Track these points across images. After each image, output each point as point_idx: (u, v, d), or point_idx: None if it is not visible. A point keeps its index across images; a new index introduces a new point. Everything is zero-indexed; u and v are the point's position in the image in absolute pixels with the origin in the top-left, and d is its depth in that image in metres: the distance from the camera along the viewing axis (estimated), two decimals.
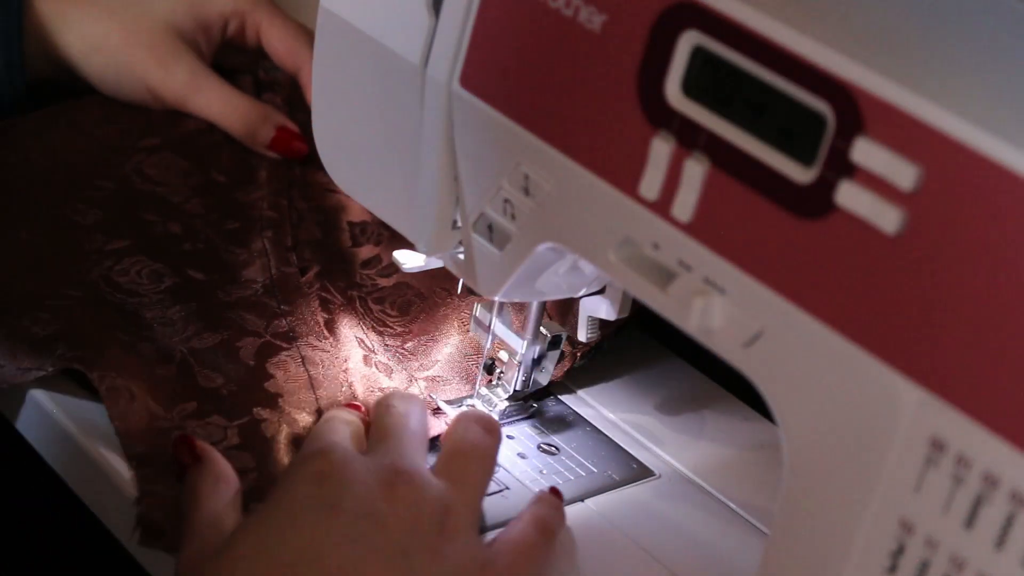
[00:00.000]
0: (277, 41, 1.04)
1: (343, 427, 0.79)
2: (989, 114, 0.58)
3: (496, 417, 0.86)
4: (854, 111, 0.60)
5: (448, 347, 0.91)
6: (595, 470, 0.85)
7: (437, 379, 0.89)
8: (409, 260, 0.84)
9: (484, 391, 0.88)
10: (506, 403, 0.88)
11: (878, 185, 0.59)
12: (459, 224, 0.78)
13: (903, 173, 0.59)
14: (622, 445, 0.88)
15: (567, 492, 0.82)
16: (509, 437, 0.86)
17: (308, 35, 1.04)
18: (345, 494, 0.71)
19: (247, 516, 0.74)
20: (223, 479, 0.76)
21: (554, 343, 0.86)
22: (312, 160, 0.94)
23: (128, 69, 1.00)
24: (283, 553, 0.69)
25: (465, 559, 0.72)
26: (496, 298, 0.79)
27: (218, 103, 1.01)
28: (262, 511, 0.72)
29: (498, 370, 0.88)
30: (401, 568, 0.70)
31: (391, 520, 0.71)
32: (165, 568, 0.78)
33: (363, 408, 0.82)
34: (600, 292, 0.82)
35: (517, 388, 0.87)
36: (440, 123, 0.76)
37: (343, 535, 0.70)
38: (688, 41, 0.65)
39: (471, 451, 0.78)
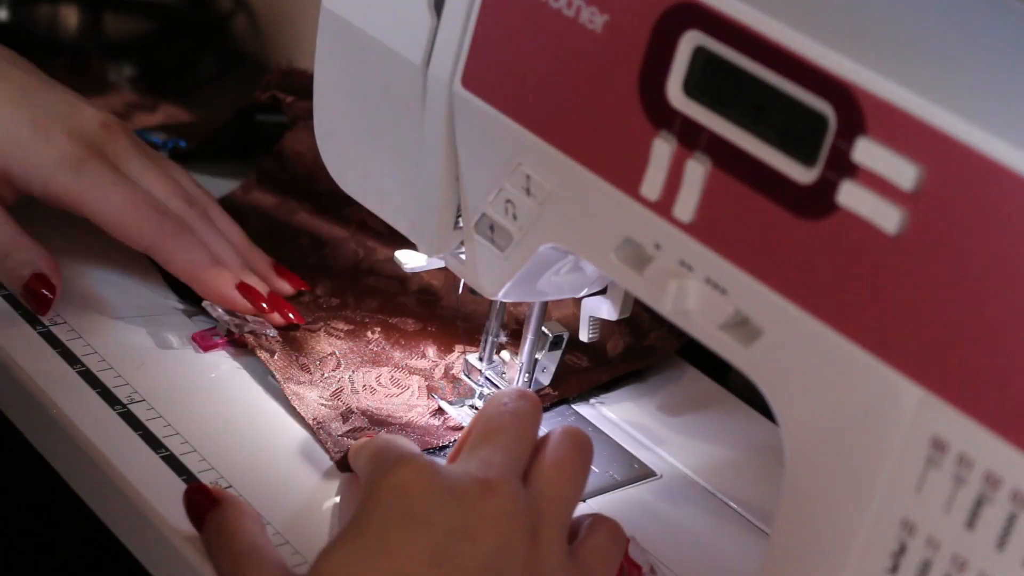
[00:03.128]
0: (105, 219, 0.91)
1: (399, 440, 0.76)
2: (990, 114, 0.58)
3: None
4: (855, 111, 0.60)
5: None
6: (596, 470, 0.85)
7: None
8: (411, 260, 0.84)
9: (486, 391, 0.88)
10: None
11: (879, 185, 0.59)
12: (461, 224, 0.78)
13: (904, 173, 0.59)
14: (623, 445, 0.88)
15: None
16: None
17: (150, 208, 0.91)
18: (434, 506, 0.69)
19: (333, 538, 0.71)
20: (248, 514, 0.75)
21: (555, 343, 0.86)
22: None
23: None
24: (373, 574, 0.67)
25: (558, 573, 0.70)
26: (497, 298, 0.79)
27: None
28: (347, 531, 0.69)
29: (499, 371, 0.88)
30: None
31: (483, 535, 0.69)
32: (165, 568, 0.78)
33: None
34: (602, 292, 0.82)
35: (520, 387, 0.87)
36: (441, 123, 0.76)
37: (434, 552, 0.68)
38: (689, 41, 0.65)
39: (569, 464, 0.75)
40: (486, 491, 0.70)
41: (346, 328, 0.92)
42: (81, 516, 0.84)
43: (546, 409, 0.89)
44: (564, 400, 0.91)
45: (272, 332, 0.90)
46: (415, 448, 0.75)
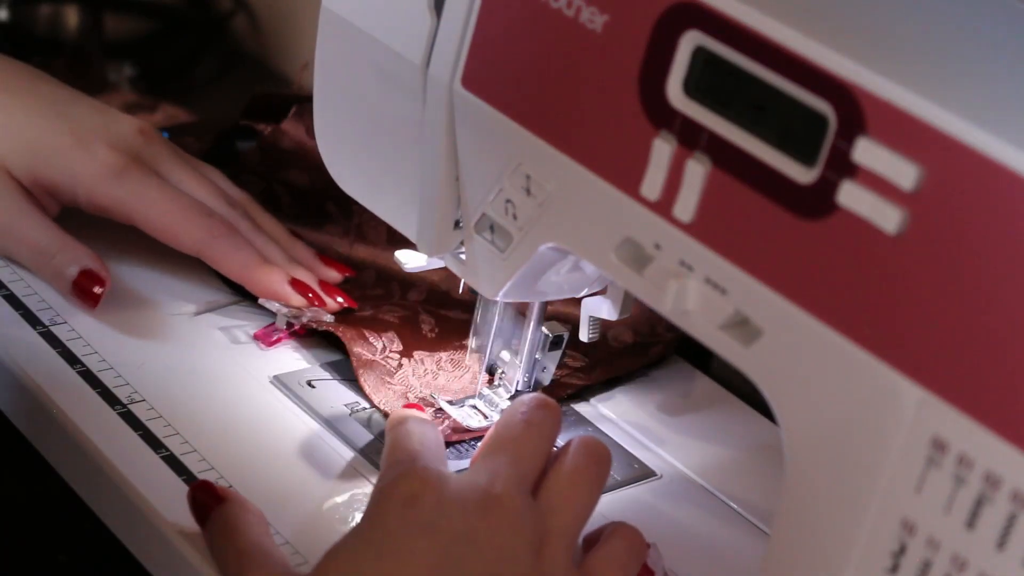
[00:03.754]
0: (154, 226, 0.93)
1: (419, 434, 0.76)
2: (990, 114, 0.58)
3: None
4: (856, 111, 0.60)
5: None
6: None
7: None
8: (411, 260, 0.84)
9: (486, 391, 0.88)
10: (508, 403, 0.88)
11: (879, 185, 0.59)
12: (461, 224, 0.78)
13: (904, 173, 0.59)
14: (623, 445, 0.88)
15: None
16: None
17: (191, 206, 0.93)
18: (440, 516, 0.69)
19: (339, 540, 0.71)
20: (252, 512, 0.75)
21: (555, 343, 0.86)
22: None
23: None
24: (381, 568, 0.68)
25: None
26: (497, 298, 0.79)
27: (22, 248, 0.92)
28: (353, 534, 0.70)
29: (500, 370, 0.88)
30: None
31: (486, 545, 0.69)
32: (165, 567, 0.78)
33: (423, 408, 0.83)
34: (602, 292, 0.82)
35: (519, 388, 0.87)
36: (442, 123, 0.76)
37: (438, 558, 0.68)
38: (689, 41, 0.65)
39: (582, 475, 0.75)
40: (491, 504, 0.70)
41: (399, 315, 0.93)
42: (81, 516, 0.84)
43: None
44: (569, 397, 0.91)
45: (329, 318, 0.92)
46: (425, 444, 0.75)
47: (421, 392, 0.88)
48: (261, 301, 0.93)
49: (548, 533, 0.71)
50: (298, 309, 0.92)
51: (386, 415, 0.86)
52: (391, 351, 0.90)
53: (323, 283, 0.94)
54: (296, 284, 0.92)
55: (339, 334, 0.90)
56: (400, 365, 0.89)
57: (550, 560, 0.71)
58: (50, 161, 0.92)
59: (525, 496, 0.72)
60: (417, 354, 0.91)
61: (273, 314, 0.92)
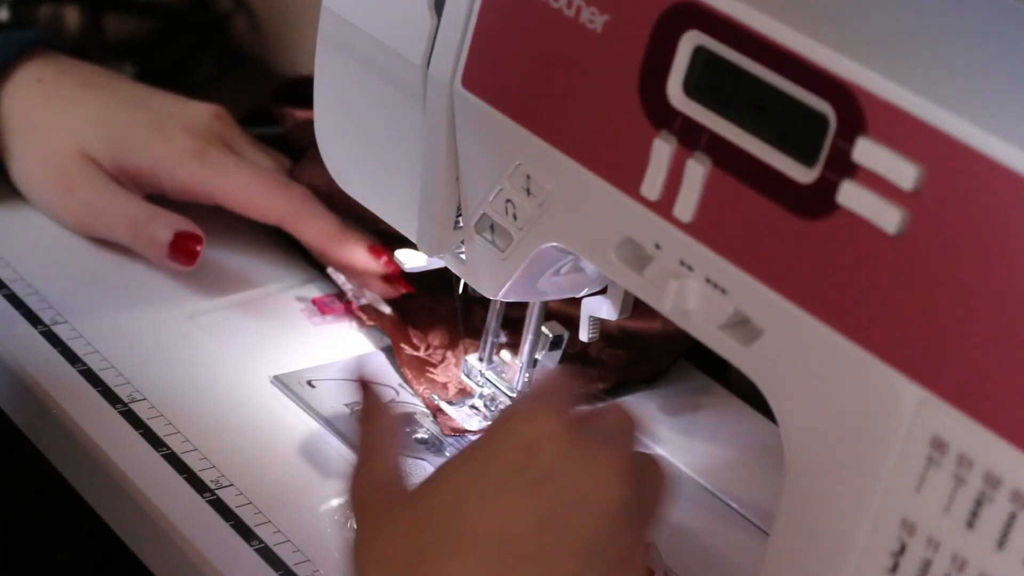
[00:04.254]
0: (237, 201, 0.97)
1: (563, 385, 0.72)
2: (990, 114, 0.58)
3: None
4: (855, 111, 0.60)
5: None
6: None
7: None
8: (411, 260, 0.84)
9: (485, 391, 0.88)
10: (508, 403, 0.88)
11: (879, 185, 0.59)
12: (461, 224, 0.79)
13: (904, 173, 0.59)
14: None
15: None
16: None
17: (272, 183, 0.97)
18: (557, 472, 0.67)
19: (447, 461, 0.69)
20: (391, 415, 0.72)
21: (555, 343, 0.86)
22: None
23: (35, 194, 0.97)
24: (475, 520, 0.65)
25: (644, 565, 0.69)
26: (497, 298, 0.79)
27: (116, 222, 0.96)
28: (466, 460, 0.68)
29: (499, 371, 0.88)
30: (591, 567, 0.66)
31: (593, 513, 0.67)
32: (166, 566, 0.78)
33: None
34: (602, 292, 0.82)
35: (519, 388, 0.87)
36: (442, 123, 0.76)
37: (545, 517, 0.66)
38: (690, 41, 0.65)
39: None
40: (611, 473, 0.68)
41: (453, 305, 0.94)
42: (81, 515, 0.84)
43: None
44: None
45: (387, 310, 0.94)
46: (565, 396, 0.71)
47: (461, 384, 0.89)
48: (329, 271, 0.96)
49: (647, 510, 0.70)
50: (360, 290, 0.95)
51: (428, 405, 0.87)
52: (435, 347, 0.91)
53: (391, 263, 0.95)
54: (374, 251, 0.95)
55: (385, 331, 0.92)
56: (444, 358, 0.90)
57: (642, 537, 0.69)
58: (132, 148, 0.96)
59: (636, 482, 0.69)
60: (464, 343, 0.91)
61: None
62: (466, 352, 0.91)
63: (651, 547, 0.75)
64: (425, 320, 0.93)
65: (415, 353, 0.91)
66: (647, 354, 0.95)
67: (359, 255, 0.95)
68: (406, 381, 0.90)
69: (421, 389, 0.88)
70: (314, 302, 0.95)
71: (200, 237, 0.94)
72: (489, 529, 0.65)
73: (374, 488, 0.68)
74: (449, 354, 0.91)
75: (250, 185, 0.96)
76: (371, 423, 0.72)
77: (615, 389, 0.93)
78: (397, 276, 0.95)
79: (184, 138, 0.96)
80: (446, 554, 0.64)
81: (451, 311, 0.94)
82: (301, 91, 1.05)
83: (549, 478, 0.66)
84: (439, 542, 0.64)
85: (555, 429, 0.67)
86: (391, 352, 0.92)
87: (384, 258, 0.94)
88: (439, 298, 0.95)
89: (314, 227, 0.95)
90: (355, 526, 0.67)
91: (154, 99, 0.99)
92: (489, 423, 0.76)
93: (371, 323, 0.93)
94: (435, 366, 0.90)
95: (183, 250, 0.94)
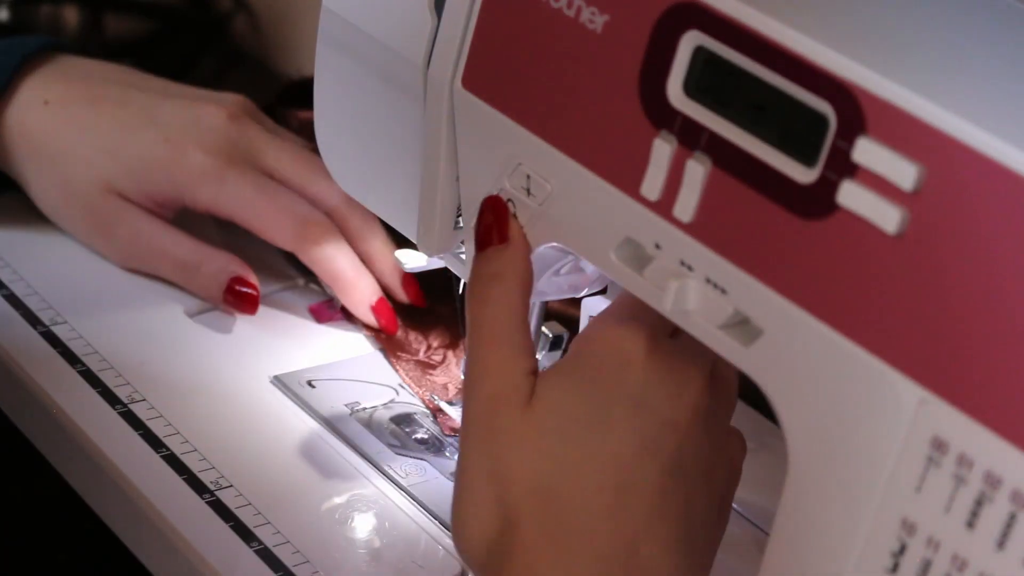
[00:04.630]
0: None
1: (641, 302, 0.70)
2: (990, 114, 0.58)
3: None
4: (855, 111, 0.60)
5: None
6: None
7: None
8: (411, 260, 0.84)
9: None
10: None
11: (879, 185, 0.59)
12: (461, 224, 0.79)
13: (904, 173, 0.59)
14: None
15: None
16: None
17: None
18: (648, 393, 0.68)
19: (552, 373, 0.69)
20: (524, 279, 0.72)
21: (556, 343, 0.86)
22: None
23: (72, 230, 0.97)
24: (586, 447, 0.66)
25: (726, 470, 0.71)
26: None
27: (166, 264, 0.96)
28: (566, 383, 0.68)
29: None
30: (679, 482, 0.68)
31: (677, 431, 0.68)
32: (165, 566, 0.78)
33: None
34: (602, 292, 0.82)
35: None
36: (442, 123, 0.76)
37: (645, 439, 0.67)
38: (690, 41, 0.65)
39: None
40: (695, 386, 0.69)
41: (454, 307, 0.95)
42: (81, 515, 0.84)
43: None
44: None
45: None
46: (649, 314, 0.70)
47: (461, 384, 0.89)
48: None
49: (735, 451, 0.72)
50: None
51: (428, 406, 0.88)
52: (435, 348, 0.91)
53: (388, 311, 0.95)
54: (378, 311, 0.94)
55: (379, 341, 0.92)
56: (444, 358, 0.90)
57: (735, 476, 0.72)
58: (153, 176, 0.94)
59: (712, 391, 0.71)
60: (464, 342, 0.91)
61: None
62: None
63: (736, 438, 0.74)
64: (425, 321, 0.93)
65: (414, 357, 0.91)
66: None
67: (362, 307, 0.94)
68: (402, 383, 0.90)
69: (420, 391, 0.88)
70: (311, 309, 0.96)
71: (254, 283, 0.94)
72: (597, 456, 0.66)
73: (498, 397, 0.67)
74: (450, 354, 0.91)
75: (266, 213, 0.95)
76: (495, 299, 0.70)
77: None
78: (391, 330, 0.95)
79: (202, 158, 0.95)
80: (561, 487, 0.65)
81: (452, 312, 0.94)
82: (306, 92, 1.05)
83: (644, 398, 0.68)
84: (555, 475, 0.66)
85: (645, 345, 0.69)
86: None
87: (381, 319, 0.94)
88: (439, 298, 0.95)
89: (326, 266, 0.94)
90: (469, 433, 0.68)
91: (167, 108, 0.97)
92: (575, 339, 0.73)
93: (369, 333, 0.93)
94: (435, 367, 0.90)
95: (239, 296, 0.93)
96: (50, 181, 0.96)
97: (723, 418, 0.72)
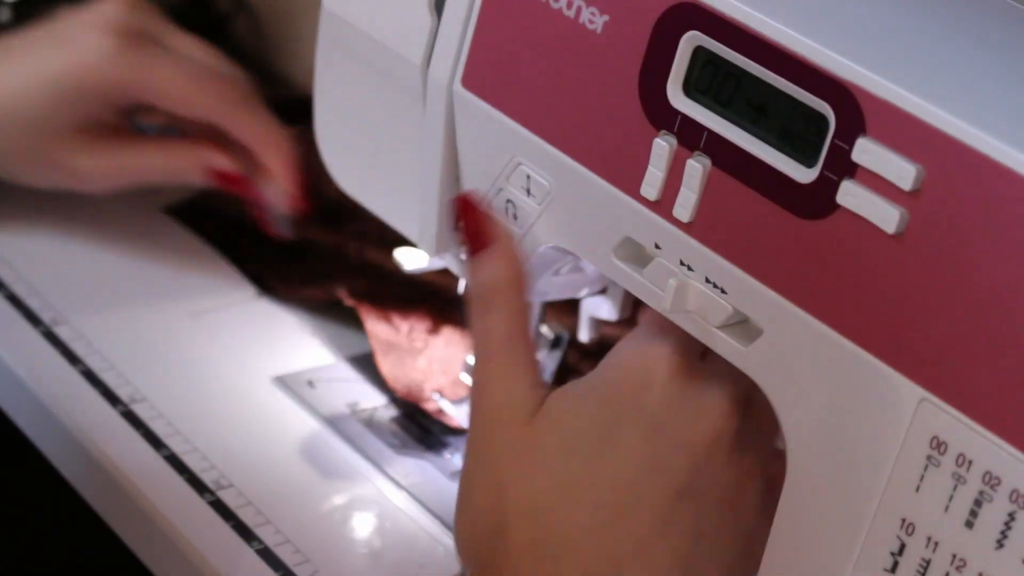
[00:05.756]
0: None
1: (670, 323, 0.69)
2: (989, 114, 0.58)
3: None
4: (855, 111, 0.60)
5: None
6: None
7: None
8: (411, 260, 0.84)
9: None
10: None
11: (879, 185, 0.59)
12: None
13: (904, 173, 0.59)
14: None
15: None
16: None
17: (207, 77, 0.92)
18: (664, 419, 0.67)
19: (570, 387, 0.69)
20: (518, 282, 0.70)
21: (556, 343, 0.86)
22: None
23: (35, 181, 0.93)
24: (585, 466, 0.66)
25: (761, 491, 0.69)
26: None
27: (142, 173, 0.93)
28: (585, 389, 0.68)
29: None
30: (686, 508, 0.67)
31: (691, 457, 0.67)
32: (167, 566, 0.78)
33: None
34: (602, 292, 0.82)
35: None
36: (442, 123, 0.76)
37: (650, 459, 0.66)
38: (689, 42, 0.65)
39: None
40: (718, 411, 0.68)
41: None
42: (82, 515, 0.84)
43: None
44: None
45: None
46: (677, 346, 0.70)
47: (438, 383, 0.88)
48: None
49: (763, 441, 0.69)
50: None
51: (400, 399, 0.86)
52: (418, 331, 0.90)
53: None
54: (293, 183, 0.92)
55: (359, 310, 0.89)
56: (427, 344, 0.89)
57: (756, 474, 0.69)
58: (65, 90, 0.89)
59: (743, 413, 0.69)
60: (446, 331, 0.90)
61: None
62: (447, 346, 0.90)
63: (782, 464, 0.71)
64: (405, 298, 0.92)
65: (394, 339, 0.89)
66: None
67: (283, 172, 0.91)
68: (378, 380, 0.88)
69: (399, 387, 0.87)
70: (219, 173, 0.90)
71: (233, 175, 0.91)
72: (596, 475, 0.66)
73: (499, 410, 0.67)
74: (432, 339, 0.90)
75: (177, 77, 0.90)
76: (494, 309, 0.69)
77: None
78: (303, 206, 0.92)
79: (98, 38, 0.89)
80: (554, 502, 0.65)
81: (435, 290, 0.93)
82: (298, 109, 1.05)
83: (659, 425, 0.67)
84: (549, 490, 0.66)
85: (668, 366, 0.68)
86: None
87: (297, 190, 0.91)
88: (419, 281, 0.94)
89: (248, 126, 0.91)
90: (471, 441, 0.68)
91: (58, 15, 0.92)
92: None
93: (349, 303, 0.91)
94: (414, 357, 0.89)
95: (225, 179, 0.91)
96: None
97: (762, 444, 0.70)
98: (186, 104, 0.90)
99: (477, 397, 0.68)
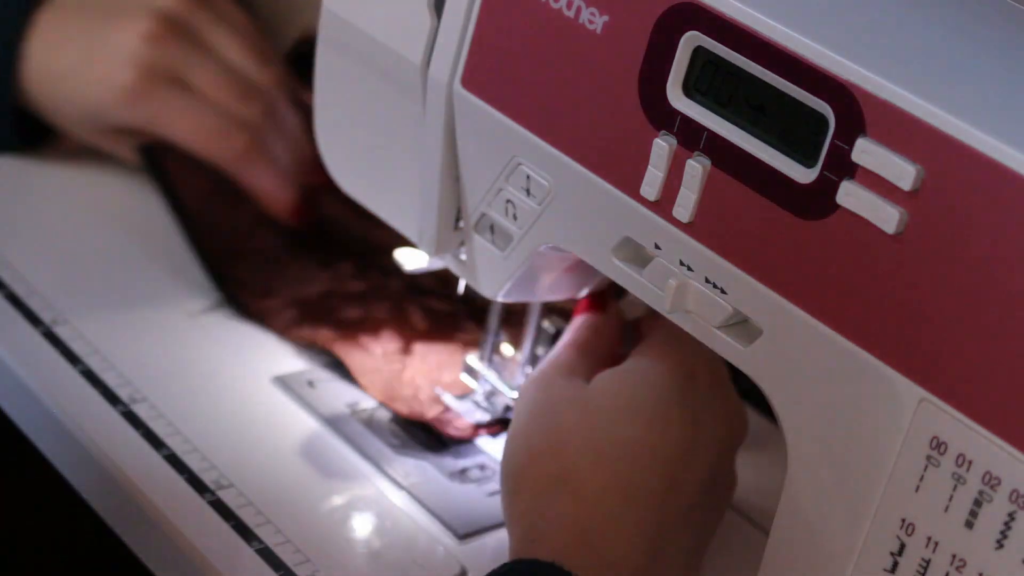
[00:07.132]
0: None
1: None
2: (989, 114, 0.58)
3: (499, 413, 0.87)
4: (855, 111, 0.60)
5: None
6: None
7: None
8: (411, 260, 0.84)
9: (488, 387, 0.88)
10: (509, 400, 0.88)
11: (879, 185, 0.60)
12: (461, 224, 0.79)
13: (904, 173, 0.59)
14: None
15: None
16: None
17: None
18: (705, 409, 0.75)
19: (620, 369, 0.76)
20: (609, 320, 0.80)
21: (556, 339, 0.86)
22: None
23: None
24: (629, 436, 0.72)
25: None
26: (498, 298, 0.79)
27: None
28: (635, 372, 0.75)
29: (499, 367, 0.88)
30: (707, 496, 0.75)
31: (718, 449, 0.75)
32: (168, 567, 0.78)
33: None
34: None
35: (519, 385, 0.87)
36: (442, 123, 0.76)
37: (687, 449, 0.73)
38: (689, 42, 0.65)
39: None
40: (740, 412, 0.77)
41: (388, 306, 0.93)
42: (83, 515, 0.84)
43: None
44: None
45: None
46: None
47: (429, 391, 0.88)
48: None
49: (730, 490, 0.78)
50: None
51: (397, 414, 0.87)
52: (389, 351, 0.90)
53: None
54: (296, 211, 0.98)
55: (332, 349, 0.89)
56: (404, 366, 0.89)
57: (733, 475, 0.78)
58: (87, 115, 0.96)
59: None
60: (417, 348, 0.90)
61: None
62: (424, 359, 0.90)
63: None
64: (369, 333, 0.92)
65: (374, 364, 0.89)
66: None
67: (283, 219, 0.98)
68: (368, 395, 0.88)
69: (399, 407, 0.87)
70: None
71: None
72: (641, 445, 0.72)
73: (561, 366, 0.76)
74: (407, 359, 0.90)
75: (188, 131, 0.96)
76: (586, 319, 0.79)
77: None
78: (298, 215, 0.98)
79: (121, 74, 0.95)
80: (619, 456, 0.72)
81: (392, 313, 0.93)
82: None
83: (699, 414, 0.74)
84: (613, 446, 0.72)
85: (706, 369, 0.76)
86: None
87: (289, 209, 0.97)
88: (369, 305, 0.94)
89: (252, 179, 0.97)
90: (529, 388, 0.76)
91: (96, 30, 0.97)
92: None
93: (304, 342, 0.91)
94: (399, 377, 0.89)
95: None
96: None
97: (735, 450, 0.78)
98: (196, 151, 0.96)
99: (546, 359, 0.78)
